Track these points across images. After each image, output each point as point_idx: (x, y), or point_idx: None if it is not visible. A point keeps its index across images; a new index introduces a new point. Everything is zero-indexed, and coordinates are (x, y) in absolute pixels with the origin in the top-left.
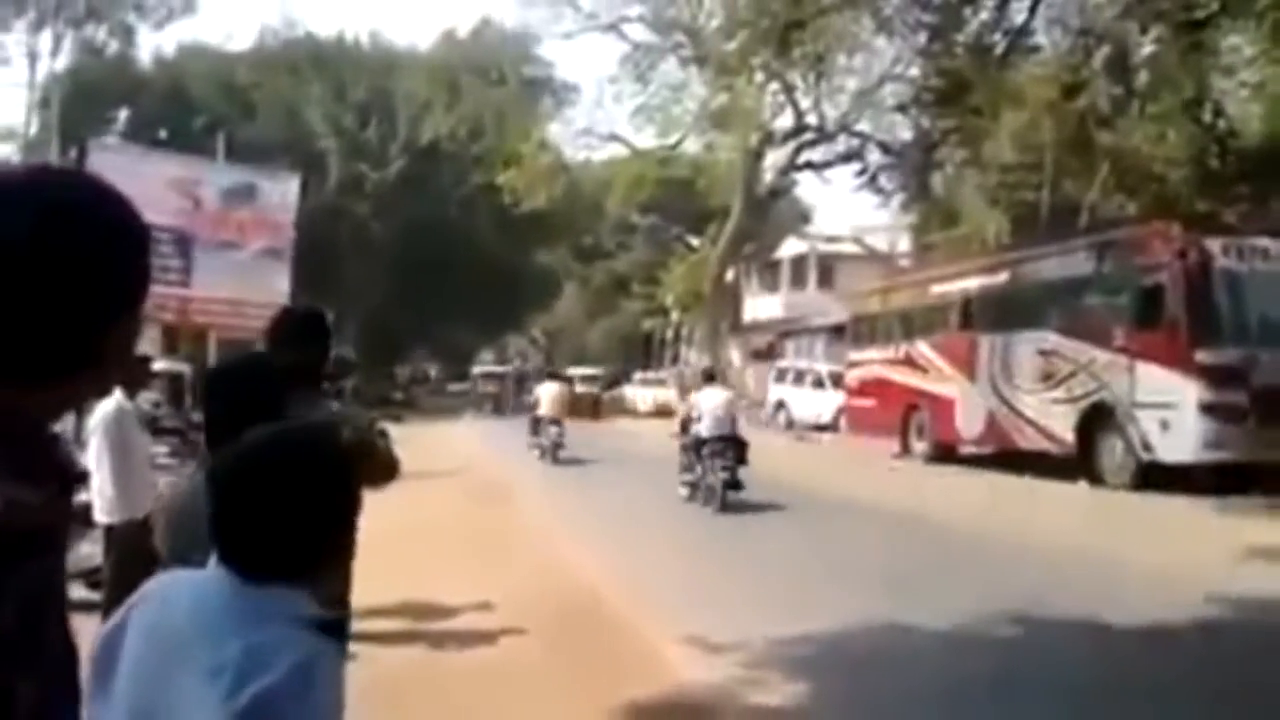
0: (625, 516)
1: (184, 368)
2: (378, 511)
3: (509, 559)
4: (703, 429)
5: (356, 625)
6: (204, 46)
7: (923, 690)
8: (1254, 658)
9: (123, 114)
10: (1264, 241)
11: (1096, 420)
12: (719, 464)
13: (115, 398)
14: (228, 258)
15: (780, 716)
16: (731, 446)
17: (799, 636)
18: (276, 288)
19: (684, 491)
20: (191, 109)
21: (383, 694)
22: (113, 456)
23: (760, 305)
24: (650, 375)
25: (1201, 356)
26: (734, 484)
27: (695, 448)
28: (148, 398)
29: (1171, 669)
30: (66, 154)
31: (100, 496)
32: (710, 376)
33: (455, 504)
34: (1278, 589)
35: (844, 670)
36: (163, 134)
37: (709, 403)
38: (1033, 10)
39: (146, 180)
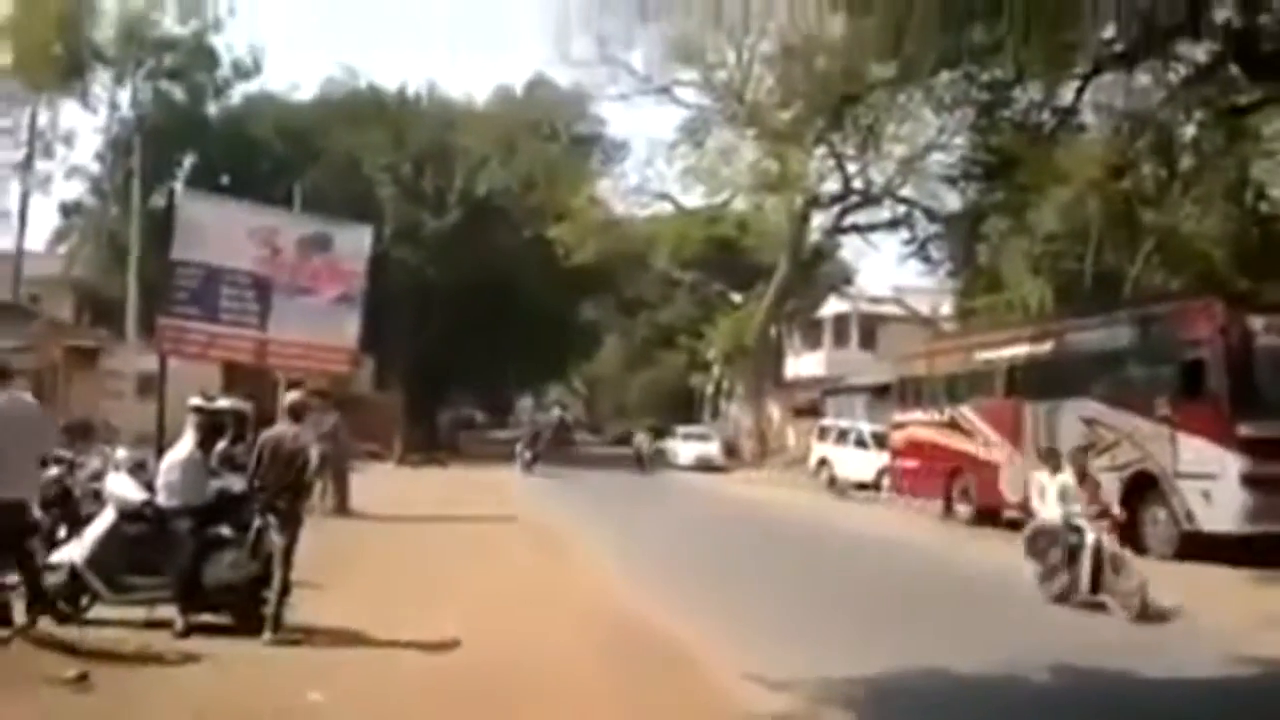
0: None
1: (246, 406)
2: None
3: None
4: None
5: None
6: (268, 96)
7: None
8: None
9: (187, 160)
10: None
11: (1139, 489)
12: (527, 454)
13: (188, 445)
14: (303, 304)
15: None
16: (534, 448)
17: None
18: (348, 332)
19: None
20: (254, 156)
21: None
22: None
23: (802, 363)
24: (693, 430)
25: (1243, 429)
26: (535, 460)
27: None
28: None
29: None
30: (146, 200)
31: None
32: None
33: None
34: None
35: (895, 711)
36: (224, 180)
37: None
38: (1080, 92)
39: (229, 228)
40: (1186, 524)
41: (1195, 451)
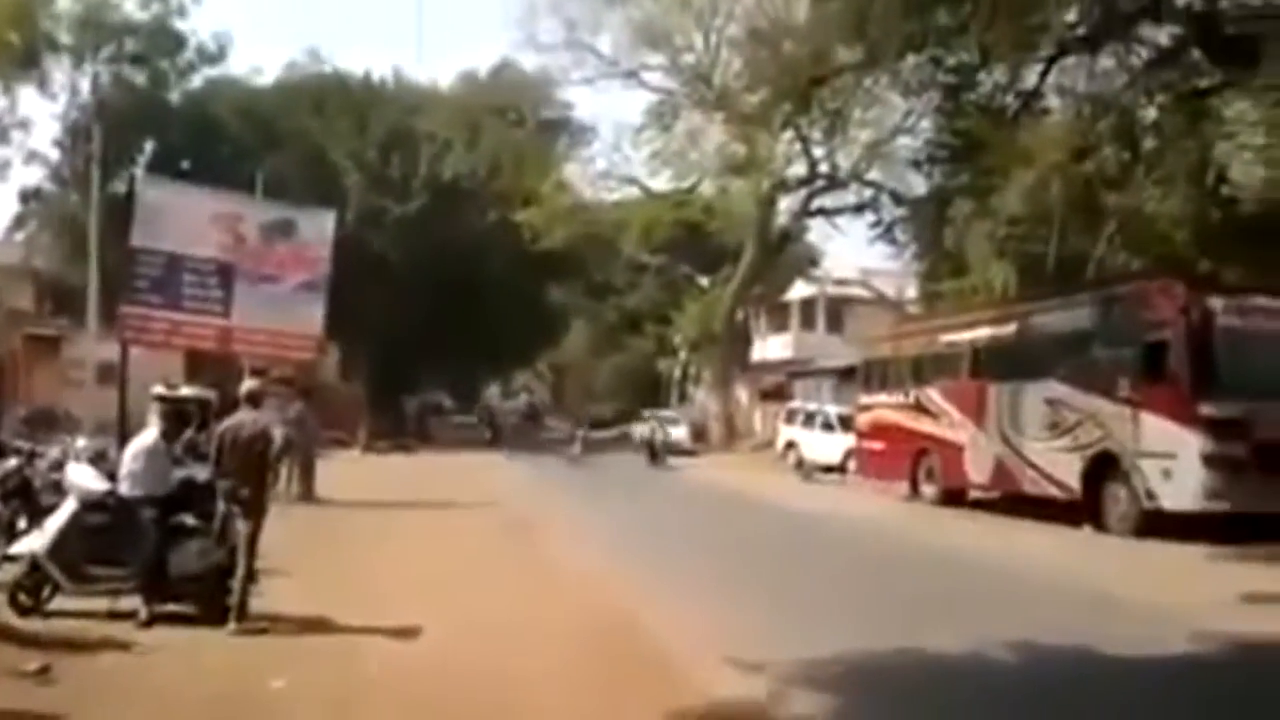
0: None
1: (210, 394)
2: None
3: None
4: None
5: None
6: (231, 80)
7: (928, 710)
8: (1233, 692)
9: (148, 145)
10: (1263, 300)
11: (1101, 468)
12: (487, 433)
13: (153, 433)
14: (266, 291)
15: None
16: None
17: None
18: (312, 319)
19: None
20: (216, 141)
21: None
22: None
23: (769, 346)
24: (661, 414)
25: (1204, 409)
26: (496, 437)
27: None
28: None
29: (1155, 699)
30: (106, 186)
31: None
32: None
33: None
34: (1264, 630)
35: (864, 689)
36: (185, 165)
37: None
38: (1043, 75)
39: (191, 214)
40: (1147, 502)
41: (1157, 431)
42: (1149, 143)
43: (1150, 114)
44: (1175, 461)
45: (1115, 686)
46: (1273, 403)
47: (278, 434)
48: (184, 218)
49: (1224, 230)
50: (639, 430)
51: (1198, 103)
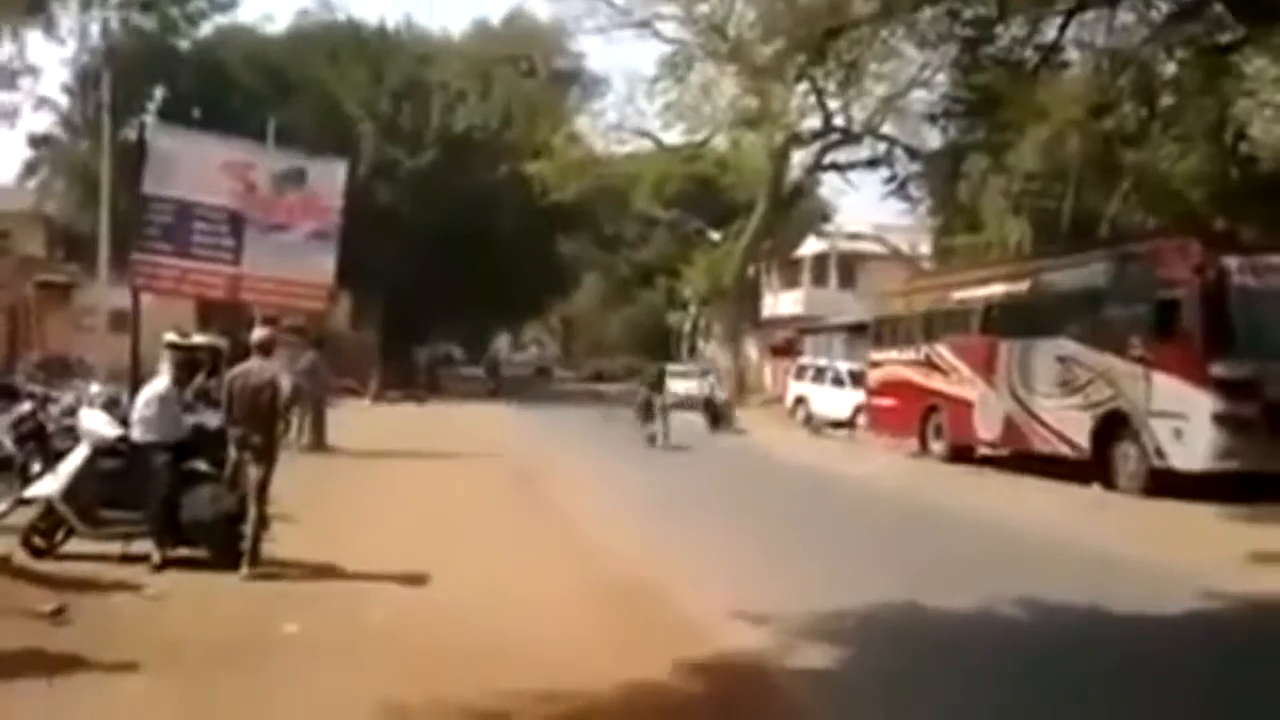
0: None
1: (222, 342)
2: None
3: None
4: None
5: None
6: (242, 27)
7: (934, 665)
8: (1240, 651)
9: (158, 92)
10: (1278, 260)
11: (1112, 427)
12: (491, 384)
13: (165, 380)
14: (277, 239)
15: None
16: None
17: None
18: (323, 268)
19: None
20: (227, 89)
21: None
22: None
23: (780, 301)
24: (678, 367)
25: (1216, 369)
26: (498, 389)
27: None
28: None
29: (1162, 659)
30: (117, 133)
31: None
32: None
33: None
34: (1273, 589)
35: (869, 643)
36: (196, 112)
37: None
38: (1062, 29)
39: (201, 162)
40: (1157, 461)
41: (1168, 390)
42: (1167, 99)
43: (1169, 69)
44: (1186, 421)
45: (1123, 645)
46: None
47: (285, 382)
48: (195, 165)
49: (1242, 188)
50: (677, 386)
51: (1218, 59)
